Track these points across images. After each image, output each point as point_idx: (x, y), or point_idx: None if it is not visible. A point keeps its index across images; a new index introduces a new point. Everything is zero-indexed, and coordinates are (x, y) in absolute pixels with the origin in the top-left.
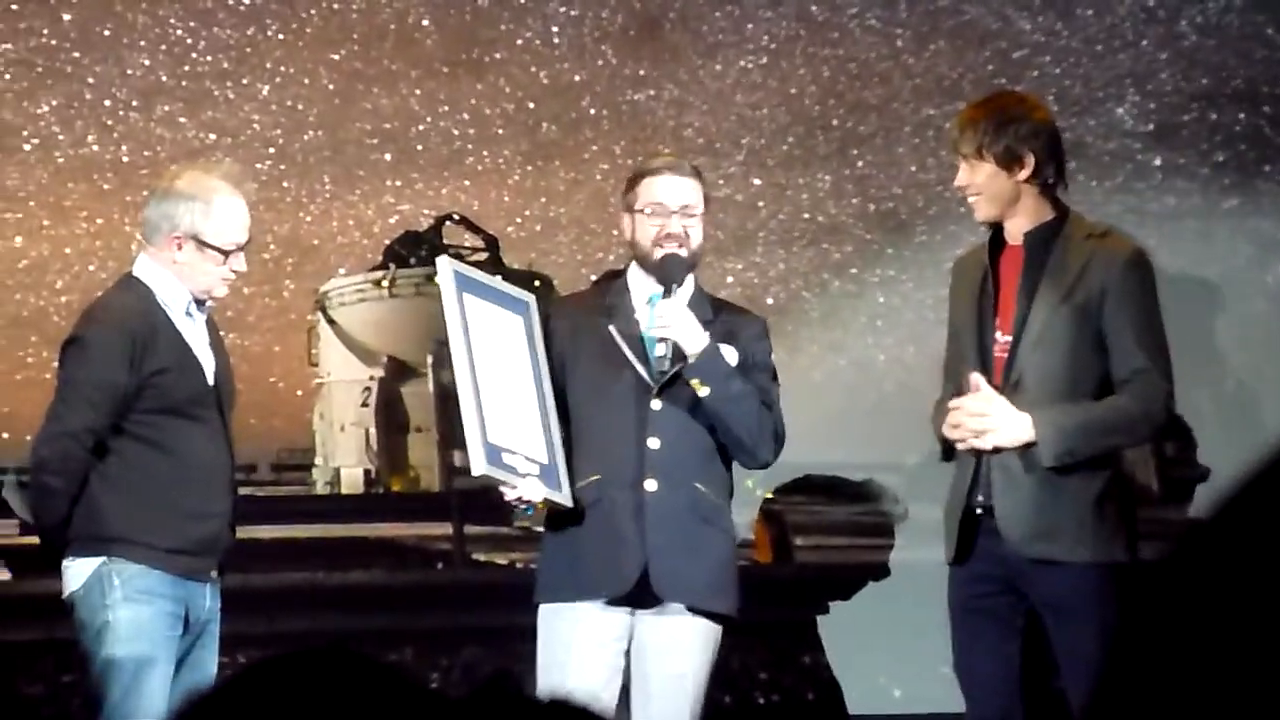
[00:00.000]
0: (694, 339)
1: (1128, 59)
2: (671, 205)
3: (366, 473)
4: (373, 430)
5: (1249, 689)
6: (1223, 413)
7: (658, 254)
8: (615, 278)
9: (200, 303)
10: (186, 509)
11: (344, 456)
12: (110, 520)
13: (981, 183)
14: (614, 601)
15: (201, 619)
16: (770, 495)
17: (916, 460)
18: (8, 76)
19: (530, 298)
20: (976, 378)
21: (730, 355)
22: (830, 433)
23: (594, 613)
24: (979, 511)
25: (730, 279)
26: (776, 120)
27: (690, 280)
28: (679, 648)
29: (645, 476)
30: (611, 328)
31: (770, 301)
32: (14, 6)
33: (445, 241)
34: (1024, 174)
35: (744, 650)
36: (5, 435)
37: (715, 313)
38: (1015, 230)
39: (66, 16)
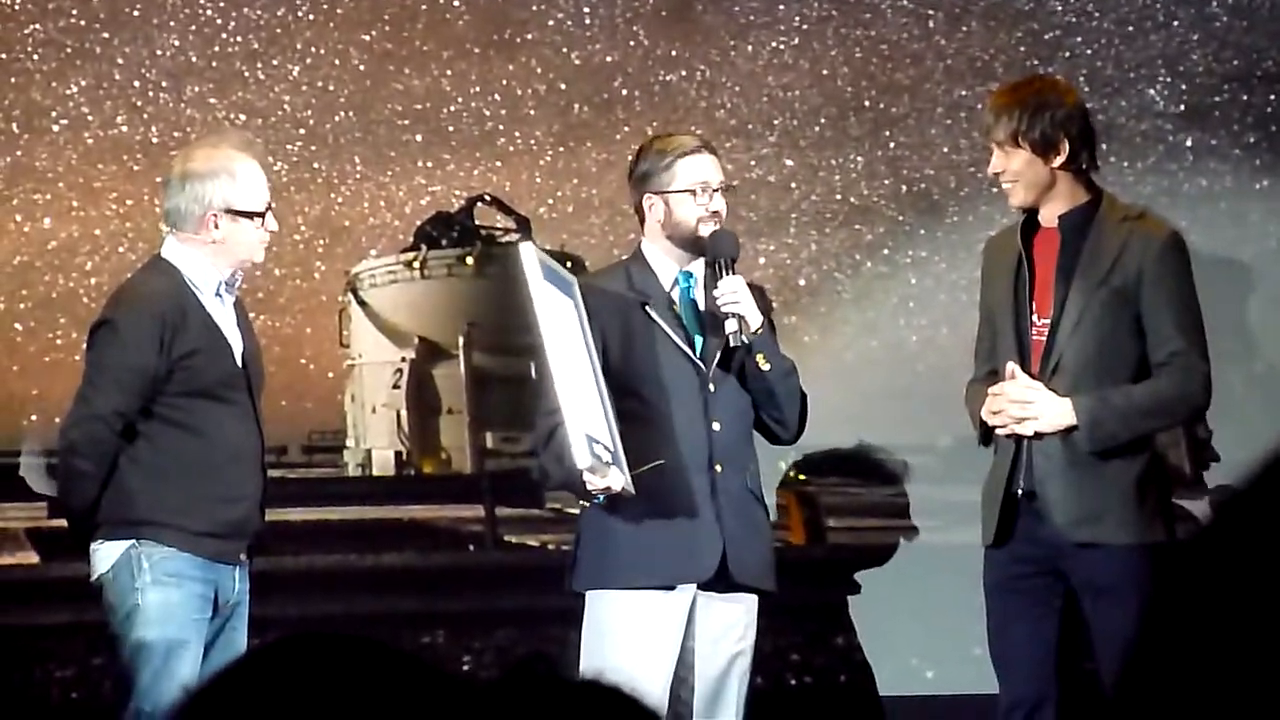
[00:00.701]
0: (756, 314)
1: (1159, 40)
2: (714, 183)
3: (398, 455)
4: (404, 412)
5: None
6: (1254, 394)
7: (704, 230)
8: (633, 260)
9: (229, 285)
10: (216, 492)
11: (375, 438)
12: (139, 503)
13: (1017, 170)
14: (668, 586)
15: (230, 601)
16: (803, 476)
17: (948, 442)
18: (36, 57)
19: (574, 278)
20: (1013, 367)
21: None
22: (863, 414)
23: (656, 598)
24: (1020, 495)
25: (763, 260)
26: (809, 101)
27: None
28: (737, 626)
29: (714, 461)
30: (650, 311)
31: (803, 282)
32: None
33: (477, 223)
34: (1059, 160)
35: (776, 632)
36: (34, 417)
37: None
38: (1050, 214)
39: None
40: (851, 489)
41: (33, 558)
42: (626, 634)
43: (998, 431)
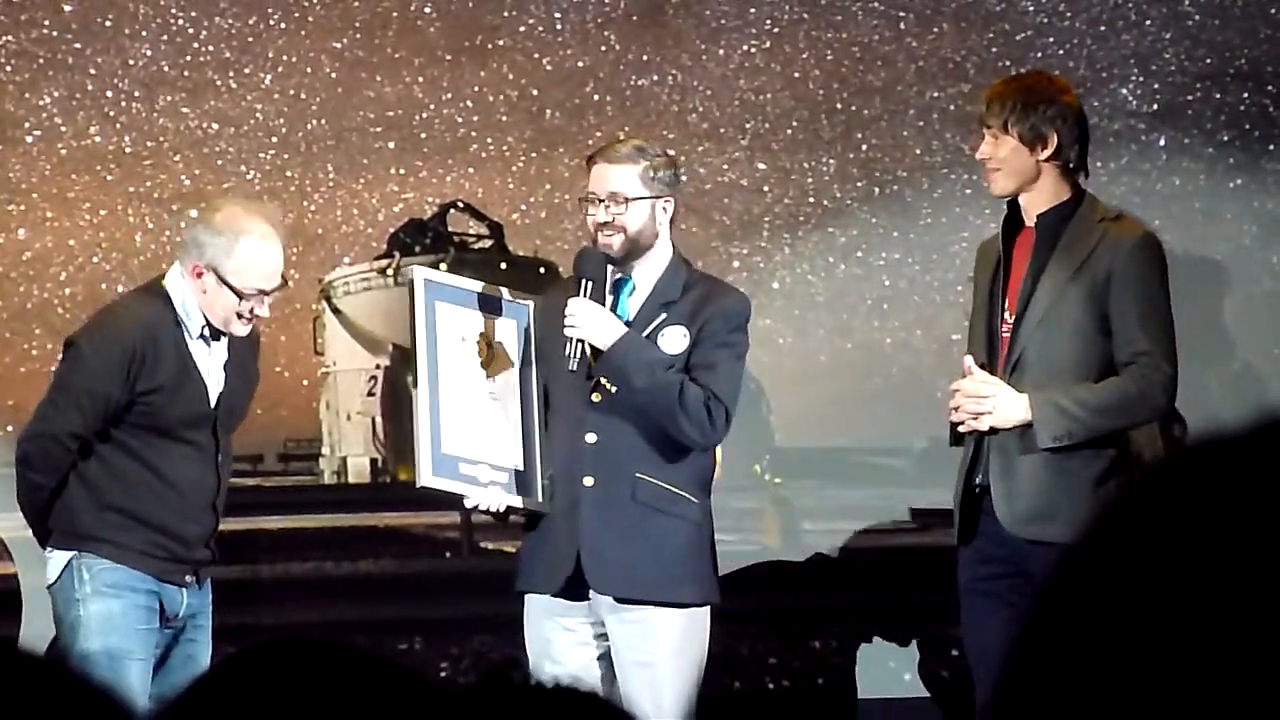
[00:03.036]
0: (603, 336)
1: (1131, 39)
2: (599, 194)
3: (373, 462)
4: (379, 419)
5: (1160, 673)
6: (1228, 393)
7: (600, 242)
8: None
9: (214, 335)
10: (158, 525)
11: (351, 446)
12: (82, 519)
13: (1003, 157)
14: (565, 594)
15: (180, 614)
16: (778, 479)
17: (923, 444)
18: (9, 68)
19: (530, 302)
20: (969, 362)
21: (675, 341)
22: (837, 417)
23: (556, 602)
24: (977, 491)
25: (736, 263)
26: (780, 104)
27: (664, 258)
28: (644, 638)
29: (583, 473)
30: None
31: (776, 285)
32: None
33: (450, 229)
34: (1046, 153)
35: (753, 635)
36: (10, 428)
37: (685, 291)
38: (1031, 210)
39: (68, 7)
40: (826, 491)
41: (11, 568)
42: (535, 634)
43: (959, 428)
